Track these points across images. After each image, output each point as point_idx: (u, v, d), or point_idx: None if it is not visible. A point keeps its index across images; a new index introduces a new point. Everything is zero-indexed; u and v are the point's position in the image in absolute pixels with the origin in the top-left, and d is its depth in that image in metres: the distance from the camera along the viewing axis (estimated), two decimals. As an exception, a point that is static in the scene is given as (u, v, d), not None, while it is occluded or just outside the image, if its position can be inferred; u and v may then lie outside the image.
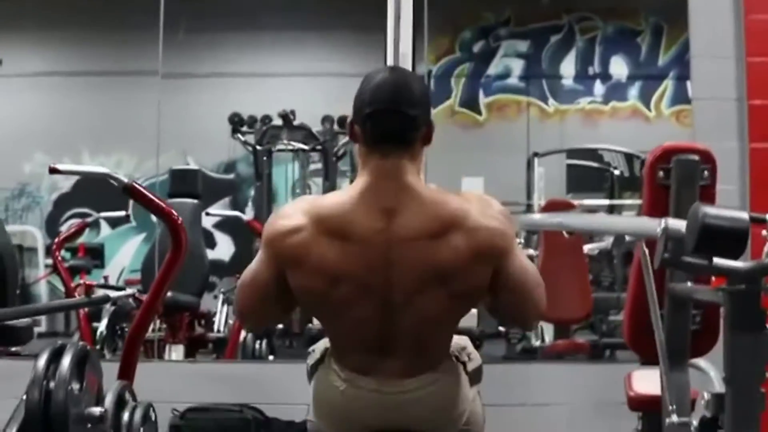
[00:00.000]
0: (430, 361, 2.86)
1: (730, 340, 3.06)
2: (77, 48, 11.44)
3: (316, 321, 3.22)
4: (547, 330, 7.52)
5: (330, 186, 10.06)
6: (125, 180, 3.61)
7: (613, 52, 12.60)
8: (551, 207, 7.21)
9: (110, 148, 9.66)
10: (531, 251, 7.55)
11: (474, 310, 3.35)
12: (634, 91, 12.61)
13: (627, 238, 3.59)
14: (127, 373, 3.98)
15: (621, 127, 12.26)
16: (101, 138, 9.40)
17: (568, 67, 12.52)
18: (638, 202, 9.73)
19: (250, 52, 11.92)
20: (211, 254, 8.47)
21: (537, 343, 7.34)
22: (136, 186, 3.66)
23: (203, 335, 7.40)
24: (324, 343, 3.02)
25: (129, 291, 4.48)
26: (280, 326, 7.87)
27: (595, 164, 9.77)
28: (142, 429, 3.88)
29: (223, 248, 11.62)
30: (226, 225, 11.77)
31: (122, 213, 7.05)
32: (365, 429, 2.88)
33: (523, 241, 7.46)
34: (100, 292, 6.35)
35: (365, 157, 2.78)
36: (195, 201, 6.89)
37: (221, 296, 7.67)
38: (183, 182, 6.90)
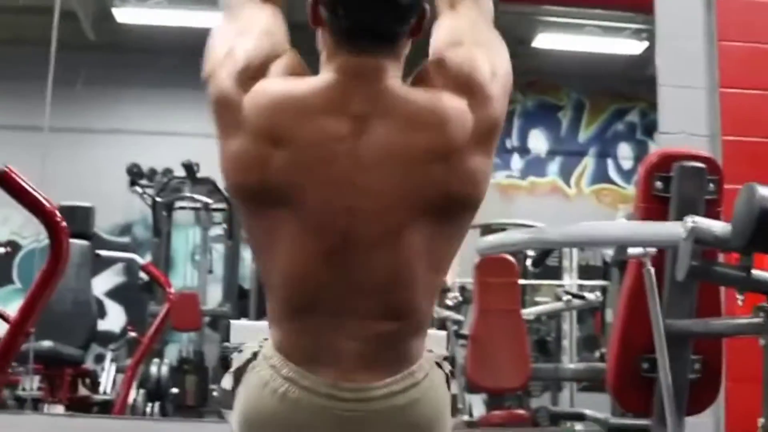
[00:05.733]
0: (405, 348, 2.03)
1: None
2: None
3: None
4: (476, 404, 6.82)
5: (234, 246, 9.40)
6: (-2, 165, 2.83)
7: (532, 126, 12.21)
8: (487, 264, 6.49)
9: (-4, 204, 8.82)
10: (460, 316, 6.92)
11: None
12: (553, 167, 12.20)
13: (630, 250, 2.88)
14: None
15: (539, 204, 11.81)
16: (-13, 194, 8.54)
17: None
18: (553, 283, 9.30)
19: (150, 109, 11.33)
20: (101, 324, 7.69)
21: (464, 418, 6.60)
22: (10, 172, 2.86)
23: (87, 397, 6.53)
24: (258, 342, 2.17)
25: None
26: (175, 390, 7.10)
27: (510, 242, 9.06)
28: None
29: (114, 318, 10.84)
30: (117, 293, 11.01)
31: (1, 249, 6.18)
32: None
33: (456, 297, 6.75)
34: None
35: (331, 50, 1.99)
36: (86, 242, 6.05)
37: (110, 354, 6.83)
38: (72, 220, 6.02)
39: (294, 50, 2.05)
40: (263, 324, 2.17)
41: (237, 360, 2.11)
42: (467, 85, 1.97)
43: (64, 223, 3.12)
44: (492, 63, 2.03)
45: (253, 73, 1.96)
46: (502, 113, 2.02)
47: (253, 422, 2.02)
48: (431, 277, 2.01)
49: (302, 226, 1.90)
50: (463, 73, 1.98)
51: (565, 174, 12.19)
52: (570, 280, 8.86)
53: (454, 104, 1.94)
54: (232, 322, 2.65)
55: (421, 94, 1.95)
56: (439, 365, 2.10)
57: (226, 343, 2.51)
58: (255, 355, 2.06)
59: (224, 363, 2.38)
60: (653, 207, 3.15)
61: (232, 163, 1.97)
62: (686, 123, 4.94)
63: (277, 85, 1.96)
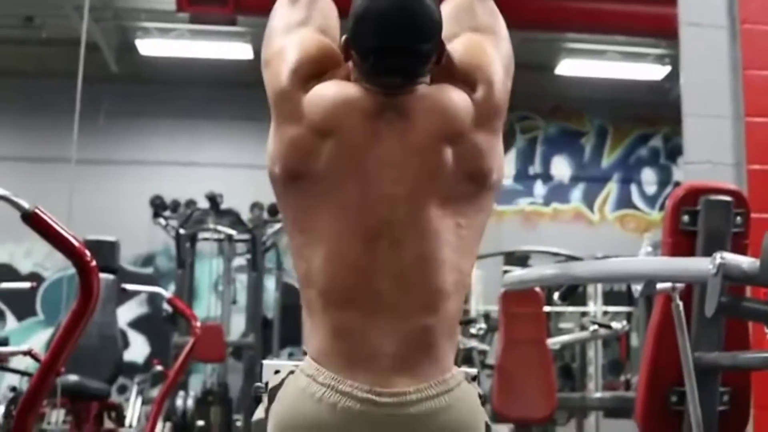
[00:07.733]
0: (437, 350, 2.07)
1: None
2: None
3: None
4: (503, 432, 6.79)
5: (257, 277, 9.43)
6: (27, 206, 2.82)
7: (555, 152, 12.19)
8: (513, 294, 6.46)
9: (21, 235, 8.84)
10: (485, 346, 6.90)
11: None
12: (577, 194, 12.17)
13: (658, 285, 2.87)
14: (16, 449, 3.14)
15: (562, 230, 11.77)
16: (11, 225, 8.56)
17: (507, 166, 12.01)
18: (578, 309, 9.25)
19: (173, 141, 11.36)
20: (124, 354, 7.62)
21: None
22: (40, 213, 2.85)
23: (113, 430, 6.51)
24: (293, 364, 2.19)
25: (24, 348, 3.66)
26: (201, 423, 7.09)
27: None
28: None
29: (137, 348, 10.85)
30: (140, 324, 11.03)
31: (27, 284, 6.16)
32: None
33: (481, 328, 6.74)
34: None
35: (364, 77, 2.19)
36: (111, 276, 6.04)
37: (135, 387, 6.82)
38: (98, 254, 6.00)
39: (346, 65, 2.20)
40: (293, 363, 2.18)
41: (273, 381, 2.12)
42: (470, 79, 2.16)
43: (94, 263, 3.09)
44: (491, 51, 2.22)
45: (307, 77, 2.15)
46: (504, 98, 2.19)
47: (288, 425, 2.03)
48: (458, 260, 2.10)
49: (341, 215, 2.05)
50: (466, 67, 2.18)
51: (589, 200, 12.16)
52: (595, 307, 8.83)
53: (459, 97, 2.14)
54: (264, 362, 2.61)
55: (434, 91, 2.16)
56: (470, 383, 2.12)
57: (258, 384, 2.49)
58: (291, 373, 2.08)
59: (257, 401, 2.37)
60: (680, 241, 3.12)
61: (287, 147, 2.12)
62: (711, 152, 4.91)
63: (332, 89, 2.14)
